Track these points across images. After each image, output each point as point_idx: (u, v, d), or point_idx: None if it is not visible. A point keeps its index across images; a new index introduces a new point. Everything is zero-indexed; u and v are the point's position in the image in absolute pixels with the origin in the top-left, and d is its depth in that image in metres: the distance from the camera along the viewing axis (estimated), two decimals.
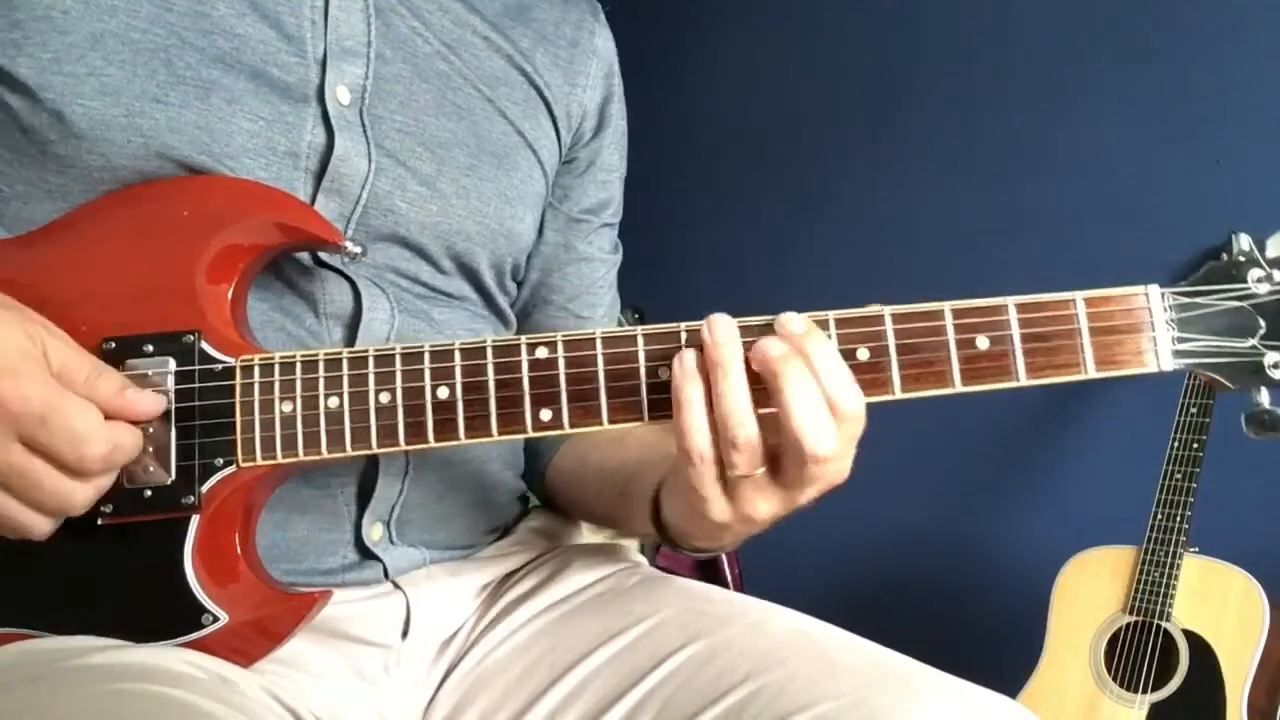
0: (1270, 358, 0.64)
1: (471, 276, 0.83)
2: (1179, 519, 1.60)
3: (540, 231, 0.91)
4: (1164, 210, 1.91)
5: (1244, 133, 1.85)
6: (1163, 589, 1.59)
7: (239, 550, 0.66)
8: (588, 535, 0.97)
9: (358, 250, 0.71)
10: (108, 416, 0.61)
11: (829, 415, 0.61)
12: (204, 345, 0.66)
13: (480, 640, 0.80)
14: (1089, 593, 1.67)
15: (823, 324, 0.64)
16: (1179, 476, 1.62)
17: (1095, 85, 2.00)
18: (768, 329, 0.63)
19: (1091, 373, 0.63)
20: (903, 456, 2.00)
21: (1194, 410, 1.64)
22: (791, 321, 0.63)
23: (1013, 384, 0.63)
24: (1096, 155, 1.99)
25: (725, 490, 0.64)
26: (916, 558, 2.16)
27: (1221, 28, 1.87)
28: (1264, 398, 0.66)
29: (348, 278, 0.75)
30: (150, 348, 0.66)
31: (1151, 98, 1.94)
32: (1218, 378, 0.64)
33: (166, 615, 0.64)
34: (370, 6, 0.77)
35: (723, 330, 0.62)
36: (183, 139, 0.68)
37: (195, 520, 0.65)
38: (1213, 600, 1.58)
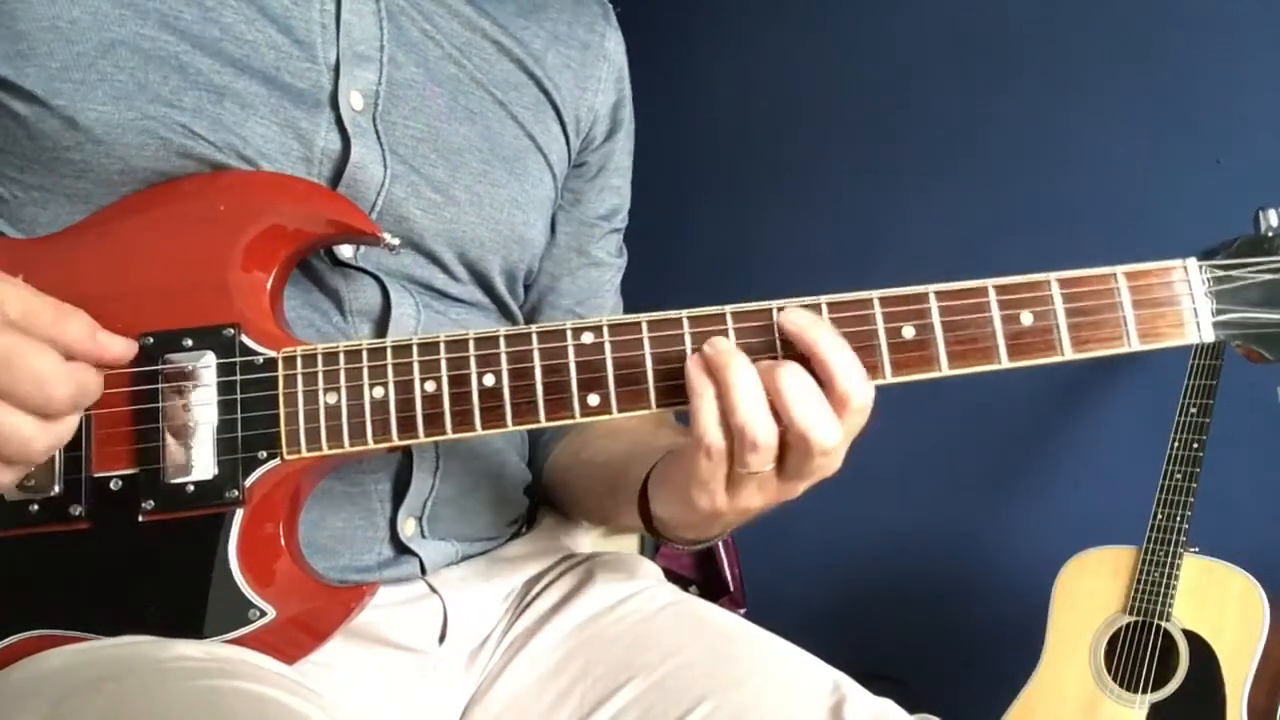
0: None
1: (484, 282, 0.83)
2: (1179, 519, 1.60)
3: (552, 235, 0.91)
4: (1163, 209, 1.90)
5: (1248, 127, 1.85)
6: (1163, 589, 1.59)
7: (284, 543, 0.65)
8: (592, 536, 0.96)
9: (395, 242, 0.70)
10: (77, 358, 0.59)
11: (831, 408, 0.62)
12: (244, 338, 0.65)
13: (510, 663, 0.80)
14: (1089, 593, 1.66)
15: (864, 303, 0.64)
16: (1179, 476, 1.62)
17: (1097, 81, 2.00)
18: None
19: (1135, 345, 0.64)
20: (903, 456, 1.99)
21: (1194, 410, 1.64)
22: (792, 316, 0.64)
23: (1057, 358, 0.64)
24: (1098, 152, 1.99)
25: (728, 485, 0.64)
26: (916, 558, 2.15)
27: (1223, 24, 1.87)
28: None
29: (374, 276, 0.75)
30: (189, 341, 0.65)
31: (1151, 95, 1.95)
32: (1258, 349, 0.65)
33: (212, 612, 0.63)
34: (382, 10, 0.76)
35: (723, 344, 0.63)
36: (201, 140, 0.67)
37: (239, 514, 0.64)
38: (1213, 600, 1.57)
